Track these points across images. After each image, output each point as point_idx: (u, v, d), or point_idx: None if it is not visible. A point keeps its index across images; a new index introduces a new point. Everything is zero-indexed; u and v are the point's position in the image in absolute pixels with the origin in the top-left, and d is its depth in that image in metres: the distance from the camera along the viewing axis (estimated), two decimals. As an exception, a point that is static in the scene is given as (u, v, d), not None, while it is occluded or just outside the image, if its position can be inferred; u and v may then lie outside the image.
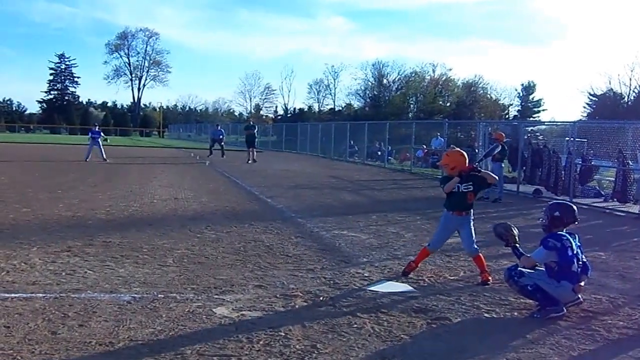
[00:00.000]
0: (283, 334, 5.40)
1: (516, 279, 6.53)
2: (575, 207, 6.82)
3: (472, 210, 7.79)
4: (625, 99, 68.75)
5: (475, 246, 7.74)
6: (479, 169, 7.75)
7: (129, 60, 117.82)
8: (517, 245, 6.76)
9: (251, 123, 36.27)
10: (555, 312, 6.29)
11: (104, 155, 28.62)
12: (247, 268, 7.90)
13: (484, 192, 16.93)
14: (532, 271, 6.54)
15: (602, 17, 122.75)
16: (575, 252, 6.47)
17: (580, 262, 6.56)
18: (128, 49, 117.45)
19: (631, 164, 17.31)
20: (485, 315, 6.31)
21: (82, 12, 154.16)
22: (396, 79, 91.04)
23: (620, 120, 23.54)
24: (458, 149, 8.41)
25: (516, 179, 20.94)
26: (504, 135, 18.01)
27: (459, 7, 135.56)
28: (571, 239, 6.51)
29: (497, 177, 7.76)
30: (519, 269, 6.59)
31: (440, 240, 8.06)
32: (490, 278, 7.69)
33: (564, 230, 6.59)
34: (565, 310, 6.35)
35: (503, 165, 18.60)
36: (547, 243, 6.44)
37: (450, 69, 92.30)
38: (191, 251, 8.81)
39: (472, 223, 7.78)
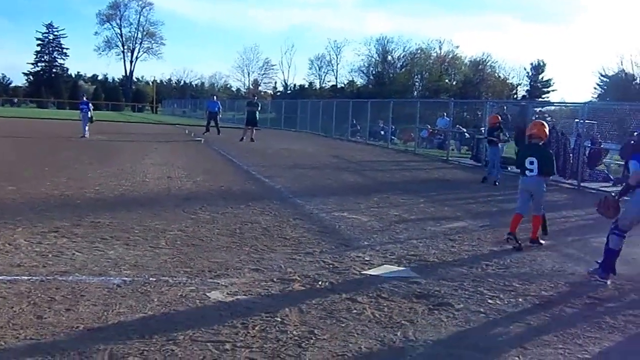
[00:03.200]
0: (279, 320, 5.26)
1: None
2: None
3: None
4: (638, 80, 68.42)
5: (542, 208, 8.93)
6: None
7: (121, 31, 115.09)
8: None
9: (254, 100, 33.90)
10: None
11: (86, 130, 27.68)
12: (243, 251, 7.71)
13: (486, 174, 16.93)
14: None
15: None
16: None
17: None
18: (120, 20, 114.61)
19: None
20: (489, 301, 6.17)
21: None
22: (401, 56, 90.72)
23: (632, 102, 23.08)
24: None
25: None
26: (498, 117, 17.77)
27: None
28: None
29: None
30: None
31: (523, 204, 8.94)
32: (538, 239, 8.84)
33: None
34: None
35: (504, 147, 18.34)
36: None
37: (458, 46, 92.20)
38: (185, 233, 8.59)
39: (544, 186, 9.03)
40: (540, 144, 9.03)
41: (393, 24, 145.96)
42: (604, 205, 7.40)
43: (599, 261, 7.23)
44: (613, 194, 7.33)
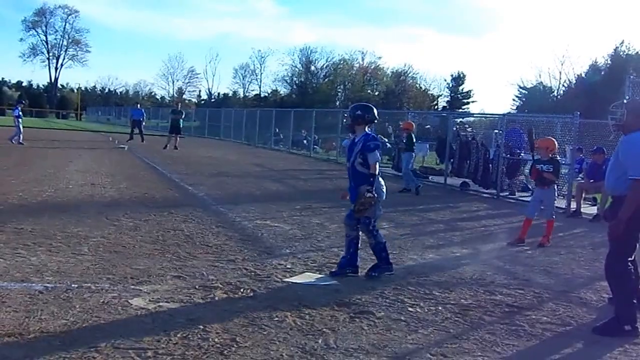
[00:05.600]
0: (202, 327, 5.29)
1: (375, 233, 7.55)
2: (374, 107, 7.62)
3: (554, 186, 10.45)
4: (555, 92, 70.67)
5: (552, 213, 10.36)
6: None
7: (46, 38, 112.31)
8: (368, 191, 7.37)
9: (178, 108, 33.83)
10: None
11: (21, 138, 27.20)
12: (166, 258, 7.72)
13: (406, 185, 17.13)
14: None
15: (535, 10, 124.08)
16: None
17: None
18: (46, 27, 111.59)
19: (559, 158, 17.41)
20: (410, 309, 6.28)
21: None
22: (324, 66, 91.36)
23: (550, 114, 23.61)
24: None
25: (444, 171, 20.90)
26: (412, 124, 18.24)
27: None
28: None
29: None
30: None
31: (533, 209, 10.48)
32: (548, 244, 10.05)
33: (367, 129, 7.41)
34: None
35: (414, 155, 18.80)
36: (373, 144, 7.28)
37: (380, 57, 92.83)
38: (107, 239, 8.54)
39: (554, 194, 10.50)
40: (551, 156, 10.29)
41: (317, 35, 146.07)
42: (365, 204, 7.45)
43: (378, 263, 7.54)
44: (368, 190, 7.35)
